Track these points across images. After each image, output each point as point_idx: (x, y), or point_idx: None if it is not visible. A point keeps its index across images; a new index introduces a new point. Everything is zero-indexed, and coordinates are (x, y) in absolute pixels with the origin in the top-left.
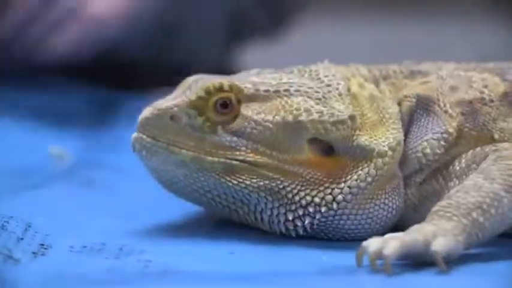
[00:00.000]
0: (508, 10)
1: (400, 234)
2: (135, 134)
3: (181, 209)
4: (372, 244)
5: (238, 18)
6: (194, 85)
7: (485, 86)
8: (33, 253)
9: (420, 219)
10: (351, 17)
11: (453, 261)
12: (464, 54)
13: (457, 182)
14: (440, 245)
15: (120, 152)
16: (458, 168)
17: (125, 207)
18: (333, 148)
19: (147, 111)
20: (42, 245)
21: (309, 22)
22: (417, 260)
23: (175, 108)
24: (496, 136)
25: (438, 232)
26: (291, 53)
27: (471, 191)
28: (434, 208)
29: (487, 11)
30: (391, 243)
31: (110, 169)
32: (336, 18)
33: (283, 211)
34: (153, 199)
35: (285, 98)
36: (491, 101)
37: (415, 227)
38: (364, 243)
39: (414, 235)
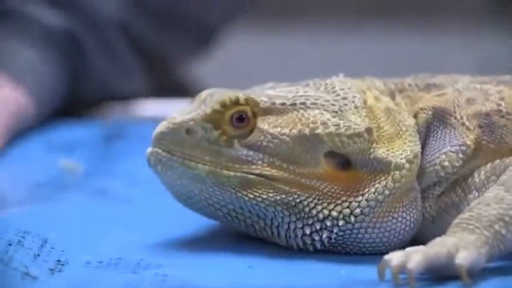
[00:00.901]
0: (509, 19)
1: (422, 247)
2: (150, 149)
3: (196, 223)
4: (395, 258)
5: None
6: (209, 99)
7: (502, 99)
8: (50, 270)
9: (438, 232)
10: (348, 26)
11: (476, 274)
12: (464, 64)
13: (477, 194)
14: (463, 258)
15: (133, 162)
16: (477, 180)
17: (139, 220)
18: (349, 161)
19: (162, 126)
20: (59, 261)
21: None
22: (440, 274)
23: (191, 122)
24: None
25: (460, 245)
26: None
27: (492, 203)
28: (456, 220)
29: (486, 20)
30: (414, 257)
31: (122, 180)
32: (331, 27)
33: (300, 225)
34: (168, 212)
35: (301, 111)
36: (509, 113)
37: (437, 240)
38: (386, 256)
39: (437, 248)
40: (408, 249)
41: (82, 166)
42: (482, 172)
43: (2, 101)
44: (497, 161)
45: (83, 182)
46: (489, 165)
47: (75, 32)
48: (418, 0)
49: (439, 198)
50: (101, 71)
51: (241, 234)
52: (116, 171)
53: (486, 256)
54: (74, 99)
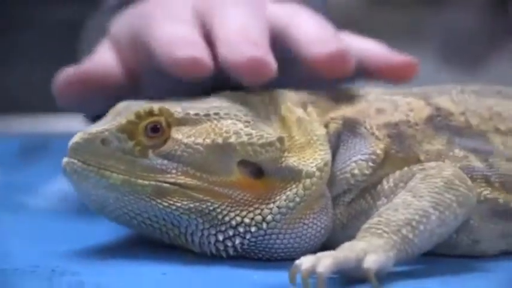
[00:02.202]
0: None
1: (332, 252)
2: (65, 159)
3: (113, 232)
4: (305, 262)
5: None
6: (124, 111)
7: (411, 110)
8: None
9: (349, 238)
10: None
11: (385, 278)
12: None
13: (386, 200)
14: (371, 261)
15: (47, 174)
16: (386, 187)
17: (55, 231)
18: (262, 170)
19: (77, 136)
20: None
21: None
22: (350, 277)
23: (106, 132)
24: (422, 158)
25: (369, 248)
26: None
27: (400, 209)
28: (365, 225)
29: None
30: (323, 261)
31: (36, 192)
32: None
33: (214, 232)
34: (84, 223)
35: (215, 122)
36: (416, 124)
37: (347, 244)
38: (297, 261)
39: (346, 252)
40: (319, 254)
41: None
42: (391, 179)
43: None
44: (406, 168)
45: None
46: (397, 172)
47: None
48: None
49: (350, 205)
50: None
51: (155, 242)
52: (29, 183)
53: (394, 259)
54: None
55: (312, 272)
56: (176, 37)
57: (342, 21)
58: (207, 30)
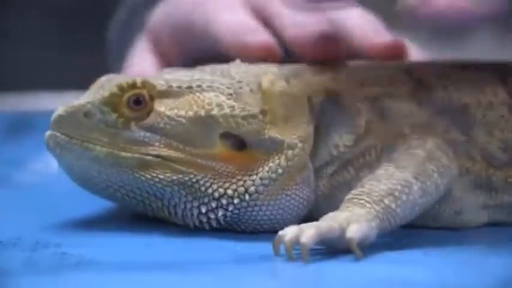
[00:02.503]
0: None
1: (315, 222)
2: (48, 132)
3: (96, 205)
4: (288, 233)
5: None
6: (107, 84)
7: (393, 82)
8: None
9: (332, 210)
10: None
11: (368, 249)
12: None
13: (368, 172)
14: (354, 231)
15: (31, 150)
16: (368, 158)
17: (38, 204)
18: (244, 142)
19: (60, 109)
20: None
21: None
22: (334, 247)
23: (89, 105)
24: (405, 131)
25: (352, 218)
26: None
27: (383, 179)
28: (348, 196)
29: None
30: (307, 231)
31: (19, 167)
32: None
33: (197, 204)
34: (67, 196)
35: (197, 94)
36: (399, 96)
37: (330, 214)
38: (281, 232)
39: (329, 222)
40: (302, 225)
41: None
42: (373, 151)
43: None
44: (388, 140)
45: None
46: (379, 144)
47: None
48: None
49: (332, 177)
50: None
51: (139, 215)
52: (13, 159)
53: (377, 229)
54: None
55: (295, 243)
56: (242, 24)
57: None
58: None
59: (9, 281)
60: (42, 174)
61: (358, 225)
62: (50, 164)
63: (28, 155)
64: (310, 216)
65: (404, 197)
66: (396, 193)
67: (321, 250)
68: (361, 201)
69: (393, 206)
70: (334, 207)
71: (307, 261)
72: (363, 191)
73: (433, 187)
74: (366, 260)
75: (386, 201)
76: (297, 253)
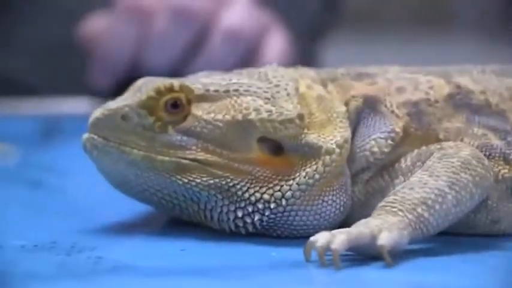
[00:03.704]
0: None
1: (347, 229)
2: (86, 135)
3: (131, 209)
4: (320, 238)
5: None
6: (144, 87)
7: (431, 88)
8: None
9: (366, 216)
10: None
11: (399, 255)
12: None
13: (403, 179)
14: (385, 238)
15: (66, 154)
16: (404, 166)
17: (74, 208)
18: (281, 146)
19: (97, 112)
20: None
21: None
22: (365, 254)
23: (126, 108)
24: (441, 136)
25: (384, 226)
26: None
27: (416, 187)
28: (381, 204)
29: None
30: (338, 237)
31: (56, 171)
32: (367, 35)
33: (233, 208)
34: (102, 200)
35: (235, 98)
36: (436, 101)
37: (362, 221)
38: (312, 238)
39: (361, 229)
40: (334, 230)
41: (17, 154)
42: (409, 158)
43: None
44: (424, 147)
45: (18, 173)
46: (415, 151)
47: None
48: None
49: (367, 184)
50: None
51: (174, 220)
52: (46, 162)
53: (408, 238)
54: None
55: (326, 249)
56: None
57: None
58: None
59: (44, 285)
60: (77, 178)
61: (389, 233)
62: (85, 167)
63: (60, 158)
64: (345, 222)
65: (437, 206)
66: (429, 202)
67: (352, 257)
68: (394, 209)
69: (426, 215)
70: (369, 214)
71: (338, 267)
72: (396, 199)
73: (467, 196)
74: (403, 266)
75: (419, 209)
76: (328, 259)
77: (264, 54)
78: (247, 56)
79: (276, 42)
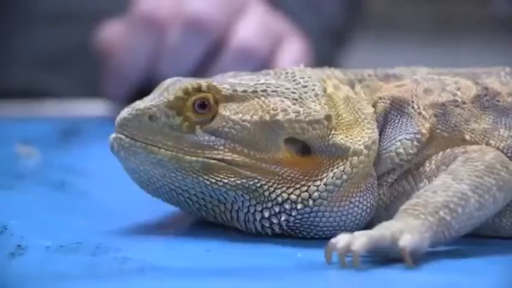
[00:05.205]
0: None
1: (368, 231)
2: (113, 135)
3: (156, 210)
4: (340, 240)
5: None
6: (171, 87)
7: (458, 89)
8: (11, 254)
9: (390, 219)
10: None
11: (420, 258)
12: None
13: (427, 182)
14: (407, 241)
15: (86, 156)
16: (428, 169)
17: (99, 208)
18: (309, 147)
19: (125, 112)
20: (19, 246)
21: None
22: (385, 256)
23: (154, 108)
24: (467, 137)
25: (405, 229)
26: None
27: (439, 191)
28: (403, 206)
29: None
30: (358, 239)
31: (78, 172)
32: (393, 38)
33: (260, 209)
34: (126, 201)
35: (263, 98)
36: (464, 102)
37: (384, 223)
38: (333, 239)
39: (382, 231)
40: (355, 232)
41: (39, 156)
42: (433, 161)
43: None
44: (448, 150)
45: (40, 174)
46: (440, 154)
47: None
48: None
49: (392, 186)
50: None
51: (199, 221)
52: (71, 165)
53: (430, 241)
54: None
55: (347, 250)
56: None
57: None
58: None
59: (70, 285)
60: (99, 179)
61: (411, 236)
62: (105, 168)
63: (81, 160)
64: (371, 224)
65: (460, 210)
66: (452, 205)
67: (373, 259)
68: (416, 212)
69: (448, 218)
70: (393, 216)
71: (358, 268)
72: (418, 202)
73: (490, 200)
74: (427, 267)
75: (441, 213)
76: (349, 260)
77: (278, 67)
78: (260, 70)
79: (291, 53)
